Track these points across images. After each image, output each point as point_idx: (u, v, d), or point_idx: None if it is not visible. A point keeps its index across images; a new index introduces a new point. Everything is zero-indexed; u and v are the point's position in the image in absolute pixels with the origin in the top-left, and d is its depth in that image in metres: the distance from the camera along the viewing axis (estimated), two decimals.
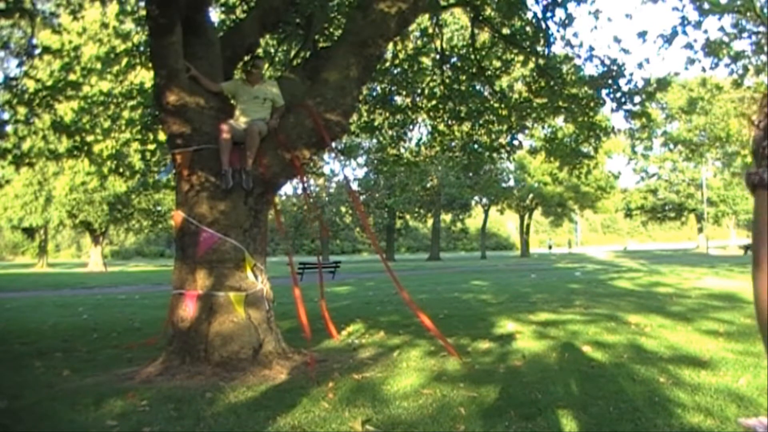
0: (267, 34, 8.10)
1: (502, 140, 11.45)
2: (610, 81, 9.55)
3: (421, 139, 13.51)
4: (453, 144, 12.04)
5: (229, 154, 5.73)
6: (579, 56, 9.90)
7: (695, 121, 41.21)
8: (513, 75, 13.92)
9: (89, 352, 7.03)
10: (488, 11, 10.02)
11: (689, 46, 12.65)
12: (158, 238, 69.59)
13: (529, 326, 7.95)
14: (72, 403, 4.56)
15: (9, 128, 10.74)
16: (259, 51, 9.46)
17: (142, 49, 9.50)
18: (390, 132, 11.92)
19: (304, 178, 6.95)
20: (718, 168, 50.24)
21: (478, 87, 10.93)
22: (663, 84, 10.68)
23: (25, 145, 11.70)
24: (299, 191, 35.19)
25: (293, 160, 5.99)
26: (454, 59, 10.95)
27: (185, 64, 5.71)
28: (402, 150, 12.97)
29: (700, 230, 55.75)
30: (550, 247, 68.19)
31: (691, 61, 13.03)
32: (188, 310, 5.56)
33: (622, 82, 9.58)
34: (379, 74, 9.95)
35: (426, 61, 11.22)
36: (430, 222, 53.84)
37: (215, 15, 9.30)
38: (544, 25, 9.45)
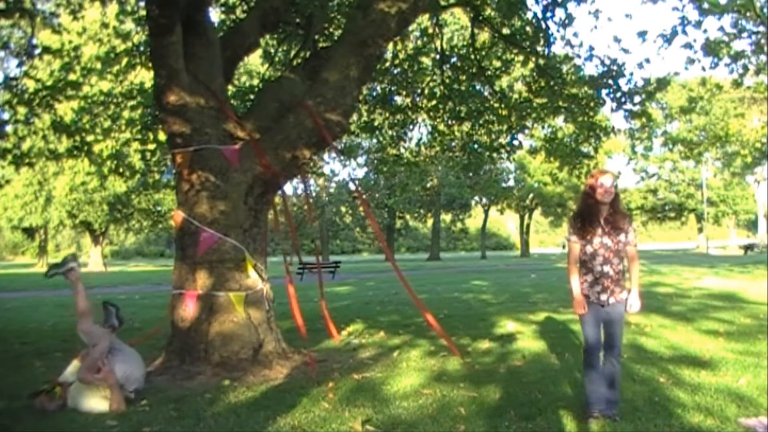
0: (267, 34, 8.10)
1: (502, 140, 11.44)
2: (610, 81, 9.54)
3: (421, 139, 13.47)
4: (453, 144, 12.02)
5: None
6: (579, 56, 9.90)
7: (695, 121, 41.15)
8: (513, 75, 13.91)
9: None
10: (488, 11, 10.02)
11: (689, 45, 12.64)
12: (158, 238, 69.56)
13: (529, 326, 7.95)
14: None
15: (9, 128, 10.72)
16: (259, 53, 9.44)
17: (142, 49, 9.50)
18: (390, 132, 11.89)
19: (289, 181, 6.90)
20: (718, 168, 50.18)
21: (478, 87, 10.91)
22: (663, 84, 10.65)
23: (25, 145, 11.67)
24: (299, 191, 35.15)
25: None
26: (454, 59, 10.94)
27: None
28: (402, 150, 12.94)
29: (700, 230, 55.74)
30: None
31: (691, 61, 13.02)
32: (188, 309, 5.56)
33: (622, 82, 9.59)
34: (379, 74, 9.95)
35: (426, 61, 11.21)
36: (430, 222, 53.82)
37: (215, 15, 9.30)
38: (544, 25, 9.44)
